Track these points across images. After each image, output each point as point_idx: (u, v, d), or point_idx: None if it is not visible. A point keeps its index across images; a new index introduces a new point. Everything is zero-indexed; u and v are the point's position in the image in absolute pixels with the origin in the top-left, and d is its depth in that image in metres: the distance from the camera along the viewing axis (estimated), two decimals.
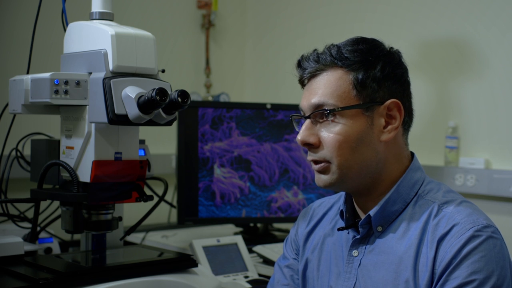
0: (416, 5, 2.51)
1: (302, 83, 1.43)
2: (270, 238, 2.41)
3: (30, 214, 1.87)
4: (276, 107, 2.37)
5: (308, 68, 1.38)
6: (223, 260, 1.96)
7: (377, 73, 1.33)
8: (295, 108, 2.38)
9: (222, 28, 3.11)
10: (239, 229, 2.48)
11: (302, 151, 2.38)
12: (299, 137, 1.36)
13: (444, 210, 1.30)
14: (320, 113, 1.34)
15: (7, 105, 1.69)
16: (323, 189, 2.36)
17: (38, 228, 1.85)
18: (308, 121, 1.36)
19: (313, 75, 1.38)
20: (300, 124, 1.41)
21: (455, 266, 1.22)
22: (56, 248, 1.98)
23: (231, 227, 2.52)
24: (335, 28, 2.79)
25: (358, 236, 1.38)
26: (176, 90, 1.45)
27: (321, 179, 1.36)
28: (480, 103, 2.33)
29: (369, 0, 2.71)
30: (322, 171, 1.35)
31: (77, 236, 2.01)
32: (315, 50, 1.40)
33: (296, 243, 1.56)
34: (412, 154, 1.42)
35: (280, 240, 2.36)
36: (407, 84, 1.39)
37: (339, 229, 1.42)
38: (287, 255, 1.58)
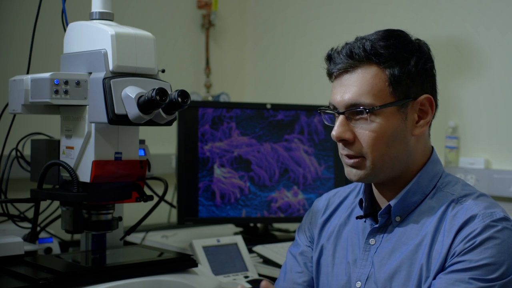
0: (416, 5, 2.51)
1: (331, 75, 1.41)
2: (270, 238, 2.41)
3: (30, 214, 1.87)
4: (276, 107, 2.37)
5: (340, 63, 1.36)
6: (223, 260, 1.96)
7: (411, 69, 1.33)
8: (295, 108, 2.40)
9: (222, 28, 3.11)
10: (239, 229, 2.48)
11: (302, 151, 2.38)
12: (334, 133, 1.36)
13: (463, 202, 1.32)
14: (355, 111, 1.34)
15: (7, 105, 1.69)
16: (323, 189, 2.36)
17: (38, 228, 1.85)
18: (342, 117, 1.35)
19: (346, 71, 1.36)
20: (326, 116, 1.43)
21: (469, 251, 1.25)
22: (56, 248, 1.97)
23: (231, 227, 2.52)
24: (335, 28, 2.79)
25: (377, 225, 1.40)
26: (176, 90, 1.44)
27: (353, 173, 1.38)
28: (480, 103, 2.33)
29: (369, 0, 2.71)
30: (357, 166, 1.36)
31: (77, 236, 2.01)
32: (347, 44, 1.37)
33: (311, 231, 1.58)
34: (431, 147, 1.44)
35: (280, 240, 2.36)
36: (435, 77, 1.41)
37: (357, 218, 1.44)
38: (300, 242, 1.59)
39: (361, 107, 1.32)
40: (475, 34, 2.33)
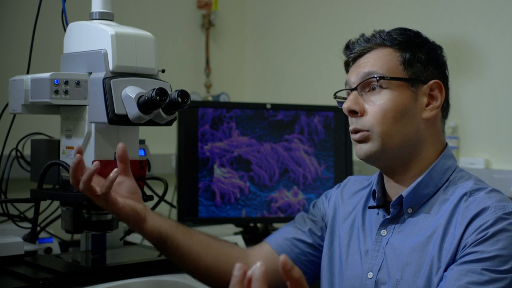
0: (416, 5, 2.51)
1: (348, 65, 1.48)
2: None
3: (30, 214, 1.87)
4: (276, 107, 2.37)
5: (357, 47, 1.44)
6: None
7: (422, 56, 1.40)
8: (295, 108, 2.40)
9: (222, 28, 3.11)
10: (239, 229, 2.48)
11: (302, 151, 2.38)
12: (345, 105, 1.41)
13: (475, 195, 1.33)
14: (367, 83, 1.39)
15: (7, 105, 1.69)
16: (322, 189, 2.36)
17: (38, 228, 1.85)
18: (355, 92, 1.41)
19: (361, 54, 1.43)
20: (340, 104, 1.46)
21: (481, 242, 1.25)
22: (56, 248, 1.98)
23: (231, 227, 2.52)
24: (335, 28, 2.79)
25: (388, 216, 1.42)
26: (176, 90, 1.45)
27: (362, 149, 1.40)
28: (480, 103, 2.33)
29: (369, 0, 2.71)
30: (363, 140, 1.39)
31: (77, 236, 2.02)
32: (363, 34, 1.46)
33: (324, 209, 1.61)
34: (446, 143, 1.47)
35: None
36: (447, 76, 1.47)
37: (370, 207, 1.47)
38: (313, 212, 1.63)
39: (373, 76, 1.38)
40: (475, 34, 2.33)
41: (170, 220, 1.48)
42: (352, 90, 1.41)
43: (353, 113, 1.40)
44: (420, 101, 1.39)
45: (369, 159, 1.40)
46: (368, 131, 1.38)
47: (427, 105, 1.40)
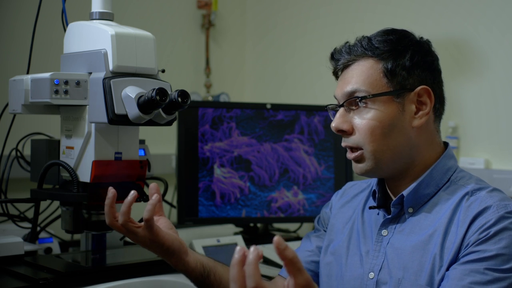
0: (416, 5, 2.51)
1: (336, 74, 1.48)
2: (270, 238, 2.39)
3: (30, 214, 1.87)
4: (276, 107, 2.37)
5: (341, 59, 1.43)
6: (223, 260, 1.95)
7: (406, 62, 1.37)
8: (295, 108, 2.40)
9: (222, 28, 3.11)
10: (239, 229, 2.48)
11: (302, 151, 2.38)
12: (333, 124, 1.41)
13: (477, 195, 1.33)
14: (353, 101, 1.38)
15: (7, 105, 1.69)
16: (322, 189, 2.36)
17: (38, 228, 1.85)
18: (342, 109, 1.41)
19: (345, 66, 1.42)
20: (332, 112, 1.47)
21: (483, 241, 1.25)
22: (56, 248, 1.98)
23: (231, 227, 2.52)
24: (335, 28, 2.79)
25: (389, 216, 1.42)
26: (176, 90, 1.45)
27: (357, 167, 1.41)
28: (480, 103, 2.33)
29: (369, 0, 2.71)
30: (358, 160, 1.40)
31: (77, 236, 2.02)
32: (347, 42, 1.44)
33: (328, 218, 1.61)
34: (446, 143, 1.46)
35: None
36: (438, 72, 1.44)
37: (370, 208, 1.47)
38: (318, 227, 1.64)
39: (356, 96, 1.37)
40: (475, 34, 2.33)
41: (204, 255, 1.48)
42: (339, 106, 1.41)
43: (342, 132, 1.40)
44: (408, 110, 1.37)
45: (365, 175, 1.41)
46: (361, 149, 1.38)
47: (416, 113, 1.38)
